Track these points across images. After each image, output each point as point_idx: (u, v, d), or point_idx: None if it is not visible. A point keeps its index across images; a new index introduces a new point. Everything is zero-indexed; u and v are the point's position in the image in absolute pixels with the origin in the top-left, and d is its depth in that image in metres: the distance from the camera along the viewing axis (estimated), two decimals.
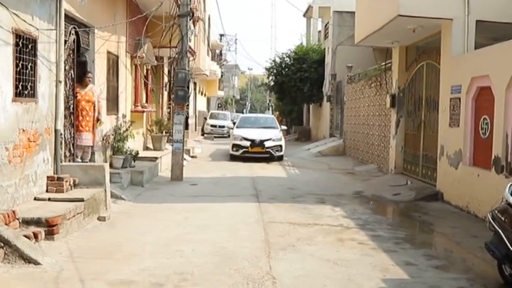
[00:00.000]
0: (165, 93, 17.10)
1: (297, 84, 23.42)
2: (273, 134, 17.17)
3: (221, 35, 36.23)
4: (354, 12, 21.24)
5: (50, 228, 6.14)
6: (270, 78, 25.92)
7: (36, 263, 5.23)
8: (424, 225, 8.03)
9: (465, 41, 9.13)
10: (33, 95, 7.09)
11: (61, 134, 8.02)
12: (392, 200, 9.77)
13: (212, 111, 34.31)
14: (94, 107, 9.15)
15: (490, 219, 5.13)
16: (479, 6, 9.09)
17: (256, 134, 16.99)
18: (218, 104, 43.32)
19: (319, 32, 27.91)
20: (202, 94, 31.30)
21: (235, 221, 7.67)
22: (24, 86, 6.81)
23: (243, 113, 45.82)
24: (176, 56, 11.93)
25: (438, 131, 9.82)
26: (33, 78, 7.07)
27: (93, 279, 4.93)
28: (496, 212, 5.11)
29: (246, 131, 17.44)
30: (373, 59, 19.63)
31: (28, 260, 5.24)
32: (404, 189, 10.52)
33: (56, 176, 7.65)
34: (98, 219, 7.56)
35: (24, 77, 6.78)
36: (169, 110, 17.52)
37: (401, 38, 11.18)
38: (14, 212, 6.03)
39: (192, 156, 17.01)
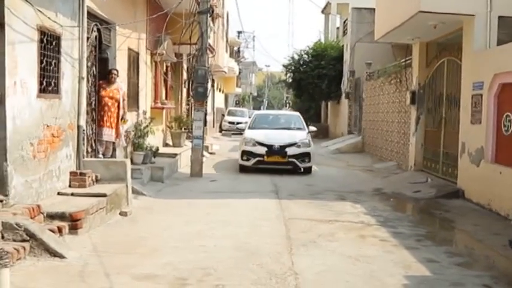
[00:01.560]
0: (184, 90, 17.18)
1: (315, 81, 23.36)
2: (298, 138, 12.88)
3: (239, 32, 36.32)
4: (373, 9, 21.14)
5: (73, 222, 6.23)
6: (288, 75, 25.89)
7: (61, 256, 5.32)
8: (445, 222, 7.97)
9: (487, 37, 9.01)
10: (56, 91, 7.20)
11: (83, 130, 8.14)
12: (413, 197, 9.71)
13: (230, 108, 34.41)
14: (118, 104, 9.23)
15: None
16: (501, 2, 8.97)
17: (275, 138, 12.75)
18: (236, 101, 43.40)
19: (338, 28, 27.78)
20: (220, 91, 31.40)
21: (256, 217, 7.70)
22: (48, 82, 6.92)
23: (260, 110, 45.60)
24: (196, 52, 11.98)
25: (459, 128, 9.71)
26: (56, 75, 7.17)
27: (118, 273, 4.99)
28: None
29: (261, 133, 13.13)
30: (392, 56, 19.53)
31: (53, 254, 5.33)
32: (424, 186, 10.44)
33: (78, 171, 7.76)
34: (119, 214, 7.65)
35: (48, 74, 6.89)
36: (188, 106, 17.63)
37: (422, 34, 11.08)
38: (38, 206, 6.13)
39: (210, 153, 17.08)
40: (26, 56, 6.27)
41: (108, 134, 9.13)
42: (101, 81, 9.12)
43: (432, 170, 11.44)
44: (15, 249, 5.12)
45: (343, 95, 22.28)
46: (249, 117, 32.03)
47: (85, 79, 8.11)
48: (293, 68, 24.87)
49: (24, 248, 5.24)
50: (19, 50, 6.09)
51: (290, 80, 25.91)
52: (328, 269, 5.30)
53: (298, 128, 13.96)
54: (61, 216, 6.23)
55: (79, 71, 7.91)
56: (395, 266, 5.45)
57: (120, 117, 9.30)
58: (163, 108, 13.63)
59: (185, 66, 16.99)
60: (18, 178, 6.12)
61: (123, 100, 9.41)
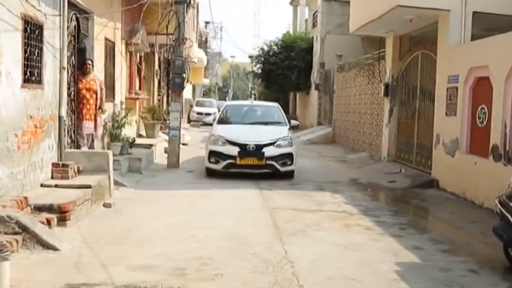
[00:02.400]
0: (156, 81, 17.02)
1: (284, 72, 23.46)
2: (278, 135, 10.73)
3: (206, 22, 36.14)
4: (342, 1, 21.46)
5: (62, 214, 6.15)
6: (258, 66, 25.95)
7: (54, 248, 5.27)
8: (424, 211, 8.27)
9: (462, 32, 9.34)
10: (39, 81, 7.07)
11: (64, 121, 8.02)
12: (389, 187, 9.99)
13: (198, 99, 34.23)
14: (96, 95, 9.08)
15: (498, 204, 5.32)
16: None
17: (250, 135, 10.59)
18: (203, 92, 43.15)
19: (306, 20, 27.97)
20: (188, 81, 31.14)
21: (240, 207, 7.78)
22: (32, 72, 6.79)
23: (225, 101, 45.13)
24: (173, 43, 11.90)
25: (434, 120, 10.02)
26: (39, 65, 7.04)
27: (114, 264, 4.99)
28: (504, 197, 5.31)
29: (233, 130, 11.02)
30: (362, 49, 19.91)
31: (46, 246, 5.27)
32: (399, 176, 10.75)
33: (60, 162, 7.65)
34: (103, 205, 7.59)
35: (31, 63, 6.75)
36: (159, 97, 17.49)
37: (396, 27, 11.33)
38: (26, 198, 6.04)
39: (183, 144, 16.93)
40: (10, 45, 6.13)
41: (88, 126, 8.98)
42: (77, 73, 8.98)
43: (405, 160, 11.77)
44: (8, 242, 5.03)
45: (313, 87, 22.52)
46: (218, 109, 31.91)
47: (66, 69, 7.97)
48: (263, 59, 24.92)
49: (16, 240, 5.16)
50: (4, 39, 5.95)
51: (260, 71, 25.97)
52: (320, 257, 5.44)
53: (278, 123, 11.70)
54: (49, 208, 6.14)
55: (60, 61, 7.77)
56: (384, 253, 5.64)
57: (98, 107, 9.17)
58: (137, 98, 13.50)
59: (157, 57, 16.83)
60: (4, 170, 6.01)
61: (101, 90, 9.26)
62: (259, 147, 10.33)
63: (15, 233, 5.25)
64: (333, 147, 17.58)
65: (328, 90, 20.29)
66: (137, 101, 13.88)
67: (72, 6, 8.49)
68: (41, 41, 7.06)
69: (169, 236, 6.11)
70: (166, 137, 15.70)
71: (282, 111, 12.60)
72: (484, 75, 8.23)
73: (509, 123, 7.48)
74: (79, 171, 7.89)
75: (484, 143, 8.08)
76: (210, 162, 10.64)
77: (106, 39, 10.64)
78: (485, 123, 8.26)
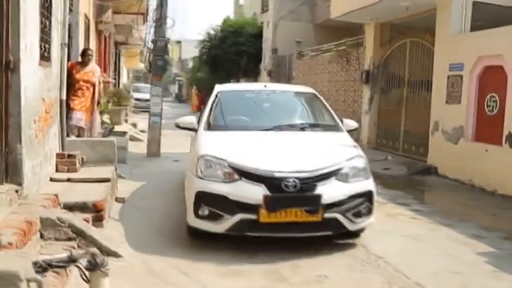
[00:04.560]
0: (112, 64, 15.86)
1: (233, 58, 22.88)
2: (339, 153, 5.22)
3: None
4: None
5: (98, 213, 5.36)
6: (203, 51, 25.11)
7: (116, 255, 4.55)
8: (445, 198, 8.17)
9: (462, 21, 9.40)
10: (49, 58, 6.11)
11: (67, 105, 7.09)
12: (388, 175, 9.86)
13: (135, 84, 32.58)
14: (93, 88, 8.15)
15: None
16: None
17: (283, 156, 5.11)
18: (136, 77, 41.23)
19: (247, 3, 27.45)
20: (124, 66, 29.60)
21: None
22: (45, 47, 5.84)
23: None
24: (153, 23, 11.05)
25: (429, 108, 10.05)
26: (49, 39, 6.08)
27: (196, 271, 4.38)
28: None
29: (244, 144, 5.43)
30: (313, 36, 19.96)
31: (106, 253, 4.49)
32: (389, 163, 10.72)
33: (66, 153, 6.72)
34: (116, 200, 6.82)
35: (44, 37, 5.80)
36: (114, 81, 16.35)
37: (385, 15, 11.25)
38: (56, 196, 5.19)
39: (141, 131, 15.99)
40: (33, 13, 5.19)
41: (78, 118, 7.99)
42: (73, 62, 8.04)
43: (390, 148, 11.80)
44: (65, 250, 4.23)
45: (264, 73, 22.16)
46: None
47: (67, 46, 7.00)
48: (209, 44, 24.13)
49: (73, 248, 4.36)
50: (28, 6, 5.01)
51: (205, 57, 25.14)
52: (402, 251, 5.15)
53: (328, 127, 6.17)
54: (81, 207, 5.31)
55: (61, 36, 6.79)
56: (455, 243, 5.48)
57: (96, 102, 8.30)
58: (108, 82, 12.42)
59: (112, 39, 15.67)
60: (28, 163, 5.10)
61: (99, 83, 8.36)
62: (307, 184, 4.77)
63: (69, 239, 4.45)
64: None
65: (283, 76, 20.02)
66: (103, 84, 12.75)
67: None
68: (50, 12, 6.09)
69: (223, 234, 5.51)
70: (127, 125, 14.79)
71: (325, 102, 6.87)
72: (496, 64, 8.31)
73: None
74: (83, 162, 7.00)
75: (496, 131, 8.17)
76: (198, 216, 4.96)
77: (85, 15, 9.61)
78: (495, 111, 8.36)
